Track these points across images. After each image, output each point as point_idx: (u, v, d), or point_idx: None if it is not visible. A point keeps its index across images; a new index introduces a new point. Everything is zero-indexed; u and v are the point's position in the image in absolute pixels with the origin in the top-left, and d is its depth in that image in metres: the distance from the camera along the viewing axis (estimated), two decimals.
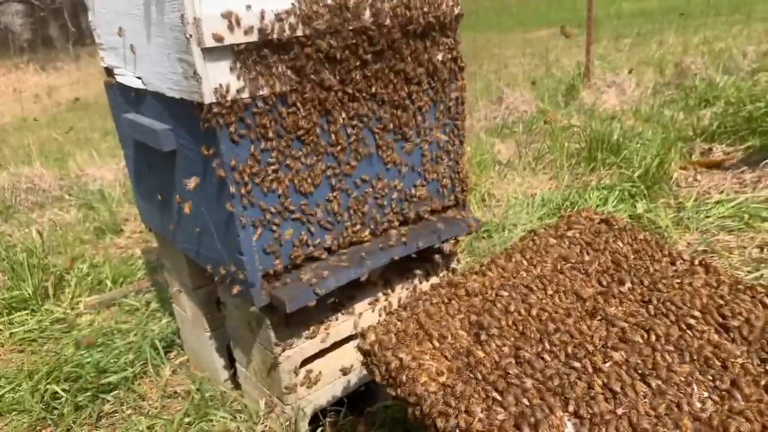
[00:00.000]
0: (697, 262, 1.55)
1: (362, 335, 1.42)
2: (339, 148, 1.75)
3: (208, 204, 1.75)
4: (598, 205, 3.72)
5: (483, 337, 1.38)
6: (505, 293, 1.54)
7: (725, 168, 4.22)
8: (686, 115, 5.42)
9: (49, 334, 3.23)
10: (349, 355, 2.14)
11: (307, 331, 1.97)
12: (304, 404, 2.02)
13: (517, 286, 1.56)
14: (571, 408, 1.14)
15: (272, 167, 1.64)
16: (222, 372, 2.51)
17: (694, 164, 4.25)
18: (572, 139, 4.99)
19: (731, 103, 5.25)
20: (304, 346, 1.99)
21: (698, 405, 1.13)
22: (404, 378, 1.27)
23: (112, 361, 2.74)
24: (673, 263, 1.57)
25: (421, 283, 2.27)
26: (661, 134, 4.53)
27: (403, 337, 1.37)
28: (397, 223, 2.02)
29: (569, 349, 1.30)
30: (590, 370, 1.23)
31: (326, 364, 2.08)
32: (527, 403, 1.15)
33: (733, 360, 1.21)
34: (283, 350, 1.93)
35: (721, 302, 1.37)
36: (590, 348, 1.30)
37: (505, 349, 1.33)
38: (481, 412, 1.15)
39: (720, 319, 1.32)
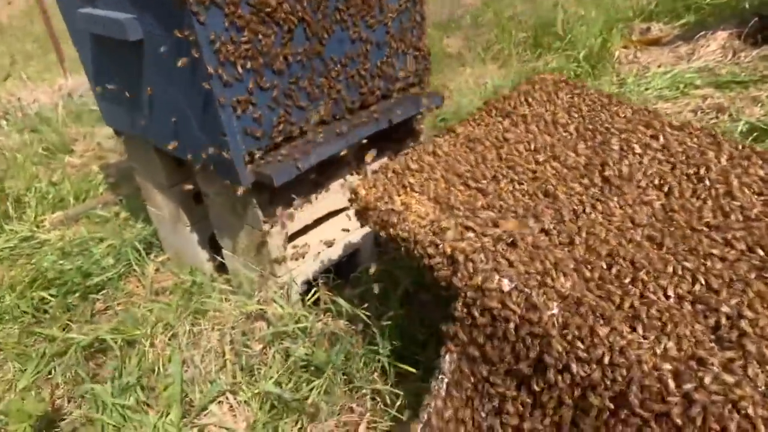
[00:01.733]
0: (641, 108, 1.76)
1: (353, 191, 1.56)
2: (306, 24, 1.80)
3: (184, 89, 1.79)
4: None
5: (459, 185, 1.54)
6: (479, 147, 1.70)
7: (663, 44, 4.43)
8: None
9: (20, 252, 3.25)
10: (330, 229, 2.30)
11: (290, 209, 2.10)
12: (295, 274, 2.19)
13: (483, 140, 1.72)
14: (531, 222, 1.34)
15: (245, 45, 1.69)
16: (206, 265, 2.64)
17: (634, 43, 4.44)
18: (519, 28, 5.07)
19: None
20: (289, 223, 2.12)
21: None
22: (395, 219, 1.43)
23: (94, 266, 2.82)
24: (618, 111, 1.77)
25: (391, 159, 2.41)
26: (602, 16, 4.66)
27: (390, 189, 1.52)
28: (367, 101, 2.12)
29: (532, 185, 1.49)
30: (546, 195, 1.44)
31: (310, 239, 2.24)
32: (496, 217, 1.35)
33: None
34: (272, 226, 2.06)
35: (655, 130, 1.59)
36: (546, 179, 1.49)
37: (479, 193, 1.50)
38: (463, 238, 1.33)
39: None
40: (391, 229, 1.43)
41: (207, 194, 2.24)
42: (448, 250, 1.31)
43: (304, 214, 2.15)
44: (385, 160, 2.39)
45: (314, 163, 1.90)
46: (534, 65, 4.46)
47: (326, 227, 2.30)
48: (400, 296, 2.06)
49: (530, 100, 1.88)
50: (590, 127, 1.72)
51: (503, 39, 4.98)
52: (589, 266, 1.23)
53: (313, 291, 2.20)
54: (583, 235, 1.32)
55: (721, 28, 4.01)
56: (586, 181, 1.50)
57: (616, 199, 1.42)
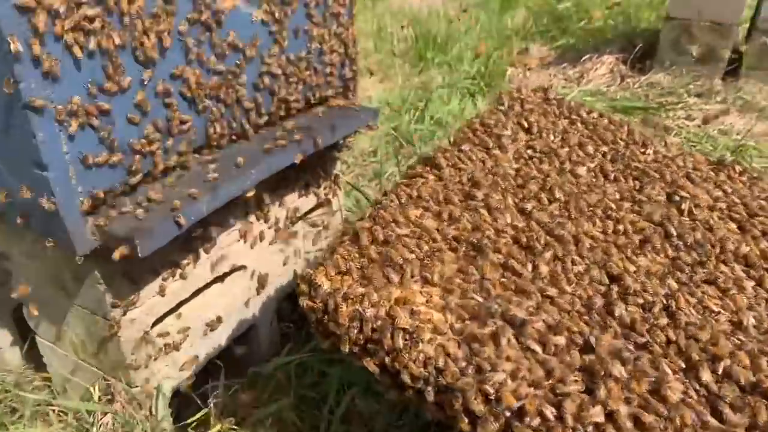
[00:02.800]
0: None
1: (307, 283, 0.87)
2: None
3: None
4: (444, 103, 3.46)
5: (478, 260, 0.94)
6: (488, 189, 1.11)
7: (545, 66, 4.28)
8: (497, 17, 5.41)
9: None
10: (214, 302, 1.56)
11: (157, 280, 1.33)
12: (161, 378, 1.41)
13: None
14: None
15: (90, 11, 0.92)
16: (11, 353, 1.72)
17: (520, 63, 4.22)
18: (396, 39, 4.63)
19: (531, 7, 5.38)
20: (154, 302, 1.35)
21: None
22: (401, 341, 0.78)
23: None
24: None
25: (301, 197, 1.73)
26: (484, 34, 4.41)
27: (373, 274, 0.87)
28: (276, 115, 1.43)
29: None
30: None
31: (187, 319, 1.47)
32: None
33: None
34: (124, 312, 1.27)
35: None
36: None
37: (514, 276, 0.92)
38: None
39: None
40: (394, 360, 0.77)
41: (7, 254, 1.37)
42: (512, 404, 0.70)
43: (178, 284, 1.39)
44: (293, 197, 1.71)
45: (205, 212, 1.17)
46: (421, 80, 4.03)
47: (209, 297, 1.55)
48: (332, 405, 1.40)
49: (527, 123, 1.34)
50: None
51: (381, 48, 4.50)
52: None
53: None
54: None
55: (607, 52, 3.93)
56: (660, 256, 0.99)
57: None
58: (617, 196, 1.19)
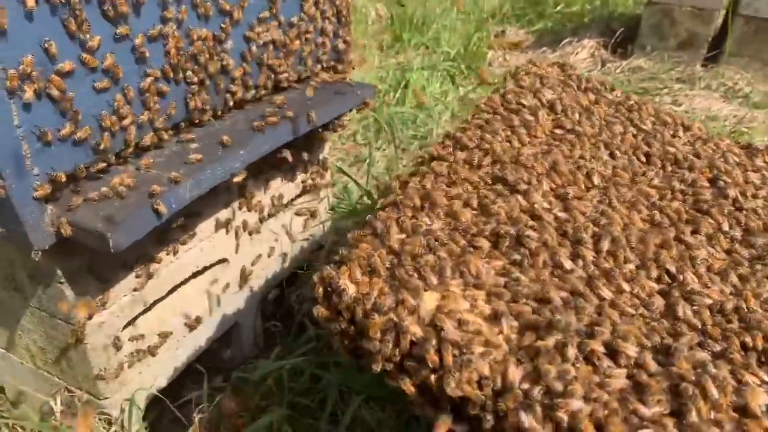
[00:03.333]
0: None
1: (327, 287, 0.71)
2: None
3: None
4: (423, 86, 3.32)
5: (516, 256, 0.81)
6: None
7: (523, 49, 4.18)
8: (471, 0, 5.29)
9: None
10: (193, 300, 1.39)
11: (129, 277, 1.15)
12: (133, 389, 1.24)
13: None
14: None
15: None
16: None
17: (500, 45, 4.11)
18: (371, 19, 4.46)
19: None
20: (125, 302, 1.17)
21: None
22: (450, 357, 0.64)
23: None
24: None
25: (286, 182, 1.57)
26: (461, 15, 4.28)
27: (403, 276, 0.72)
28: (262, 89, 1.26)
29: None
30: None
31: (161, 322, 1.30)
32: None
33: None
34: (90, 316, 1.10)
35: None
36: None
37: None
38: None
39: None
40: (440, 380, 0.63)
41: None
42: None
43: (153, 282, 1.22)
44: (278, 183, 1.54)
45: (190, 199, 1.00)
46: (398, 60, 3.87)
47: (189, 293, 1.38)
48: (330, 414, 1.25)
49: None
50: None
51: (357, 30, 4.32)
52: None
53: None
54: None
55: (587, 36, 3.85)
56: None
57: None
58: (657, 182, 1.08)
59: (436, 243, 0.77)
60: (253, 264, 1.52)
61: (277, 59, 1.23)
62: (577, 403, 0.60)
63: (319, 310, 0.71)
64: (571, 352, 0.66)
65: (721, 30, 3.49)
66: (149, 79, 0.95)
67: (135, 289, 1.19)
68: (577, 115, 1.20)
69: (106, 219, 0.88)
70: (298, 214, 1.70)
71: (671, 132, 1.24)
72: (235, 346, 1.60)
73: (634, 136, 1.23)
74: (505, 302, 0.72)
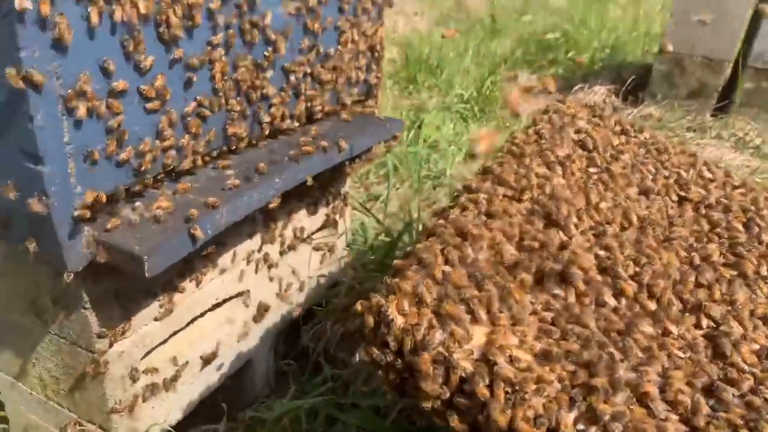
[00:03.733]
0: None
1: (375, 316, 0.68)
2: None
3: None
4: (438, 127, 3.34)
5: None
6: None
7: (535, 94, 4.24)
8: (485, 44, 5.39)
9: None
10: (210, 333, 1.34)
11: (152, 305, 1.12)
12: (148, 425, 1.18)
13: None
14: None
15: None
16: None
17: (512, 90, 4.16)
18: (386, 60, 4.52)
19: (518, 35, 5.39)
20: (146, 331, 1.13)
21: None
22: (510, 403, 0.60)
23: None
24: None
25: (308, 214, 1.55)
26: (477, 60, 4.35)
27: (452, 311, 0.69)
28: (297, 119, 1.25)
29: None
30: None
31: (179, 354, 1.26)
32: None
33: None
34: (111, 344, 1.06)
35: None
36: None
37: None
38: None
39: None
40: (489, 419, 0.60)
41: None
42: None
43: (174, 312, 1.18)
44: (301, 215, 1.52)
45: (224, 224, 0.97)
46: (412, 101, 3.91)
47: (205, 326, 1.34)
48: None
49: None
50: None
51: None
52: None
53: None
54: None
55: (598, 83, 3.90)
56: None
57: None
58: (694, 225, 1.06)
59: (482, 276, 0.74)
60: (269, 299, 1.48)
61: (313, 90, 1.22)
62: None
63: (367, 345, 0.67)
64: (622, 395, 0.63)
65: (731, 80, 3.54)
66: (193, 104, 0.94)
67: (156, 319, 1.15)
68: (609, 155, 1.19)
69: (142, 242, 0.85)
70: (316, 248, 1.67)
71: (702, 174, 1.23)
72: (247, 384, 1.55)
73: (666, 177, 1.22)
74: (555, 339, 0.69)
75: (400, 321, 0.66)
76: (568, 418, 0.63)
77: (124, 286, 1.04)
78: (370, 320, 0.67)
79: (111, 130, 0.81)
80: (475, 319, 0.70)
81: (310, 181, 1.16)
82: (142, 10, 0.78)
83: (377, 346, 0.68)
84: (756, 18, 3.43)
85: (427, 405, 0.64)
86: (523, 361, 0.66)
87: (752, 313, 0.86)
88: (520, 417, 0.61)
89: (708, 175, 1.26)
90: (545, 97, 4.07)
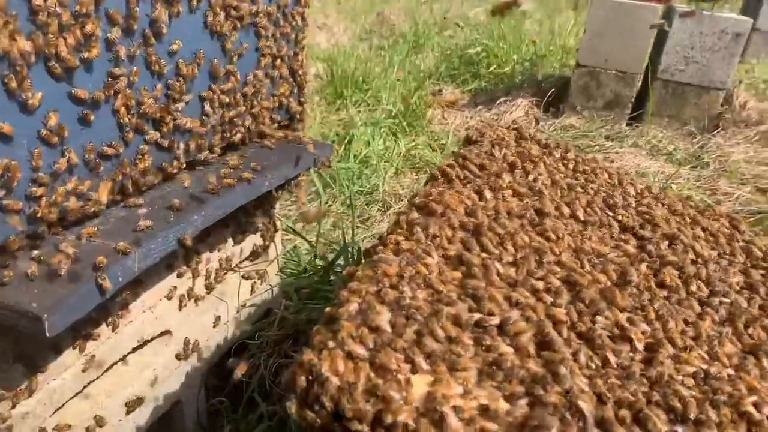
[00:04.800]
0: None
1: (306, 370, 0.63)
2: None
3: None
4: (368, 142, 3.33)
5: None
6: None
7: (459, 108, 4.32)
8: (409, 60, 5.46)
9: None
10: (132, 378, 1.25)
11: (59, 358, 1.02)
12: None
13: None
14: None
15: None
16: None
17: (439, 103, 4.22)
18: (311, 76, 4.49)
19: (440, 51, 5.51)
20: (54, 386, 1.03)
21: None
22: None
23: None
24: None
25: (234, 244, 1.48)
26: (405, 75, 4.39)
27: (390, 363, 0.65)
28: (215, 149, 1.19)
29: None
30: None
31: (95, 405, 1.16)
32: None
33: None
34: (13, 405, 0.95)
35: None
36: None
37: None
38: None
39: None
40: None
41: None
42: None
43: (84, 362, 1.09)
44: (227, 246, 1.45)
45: (139, 271, 0.90)
46: (339, 116, 3.89)
47: (125, 371, 1.24)
48: None
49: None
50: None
51: None
52: None
53: None
54: None
55: (520, 96, 4.02)
56: None
57: None
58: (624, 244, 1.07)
59: (420, 318, 0.71)
60: (197, 336, 1.40)
61: (232, 118, 1.17)
62: None
63: (295, 407, 0.62)
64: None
65: (643, 91, 3.75)
66: (92, 144, 0.86)
67: (66, 371, 1.06)
68: (538, 177, 1.20)
69: (41, 297, 0.77)
70: (245, 277, 1.60)
71: (626, 191, 1.26)
72: (177, 426, 1.45)
73: (593, 196, 1.24)
74: (498, 382, 0.66)
75: (334, 380, 0.62)
76: None
77: (28, 343, 0.94)
78: (302, 380, 0.62)
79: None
80: (417, 371, 0.67)
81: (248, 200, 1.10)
82: (26, 47, 0.70)
83: (310, 407, 0.63)
84: (662, 34, 3.64)
85: None
86: (467, 412, 0.63)
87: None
88: None
89: (630, 190, 1.29)
90: (469, 110, 4.15)
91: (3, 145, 0.74)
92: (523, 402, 0.65)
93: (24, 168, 0.78)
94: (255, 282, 1.63)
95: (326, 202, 2.78)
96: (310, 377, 0.61)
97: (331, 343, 0.64)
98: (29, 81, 0.73)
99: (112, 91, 0.87)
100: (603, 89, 3.73)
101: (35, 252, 0.83)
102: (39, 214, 0.82)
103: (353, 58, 4.76)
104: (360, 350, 0.64)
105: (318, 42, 6.68)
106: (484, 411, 0.63)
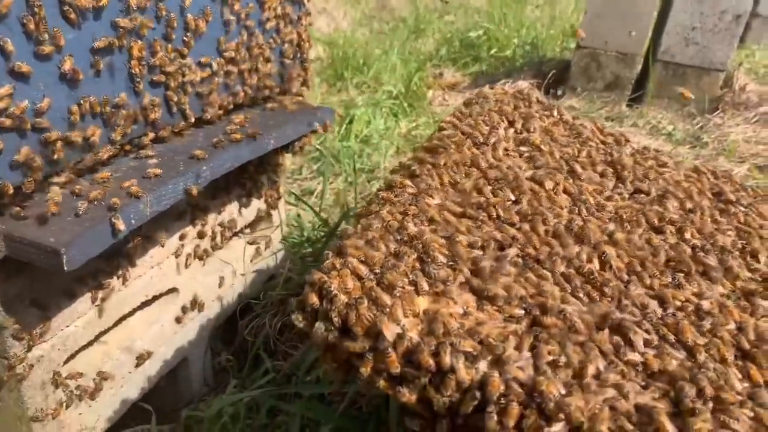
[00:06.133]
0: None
1: (318, 292, 0.66)
2: None
3: None
4: (368, 122, 3.35)
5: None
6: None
7: (461, 90, 4.33)
8: (409, 43, 5.46)
9: None
10: (140, 332, 1.29)
11: (72, 305, 1.05)
12: None
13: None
14: None
15: None
16: None
17: (440, 85, 4.24)
18: (312, 57, 4.50)
19: (441, 34, 5.50)
20: (68, 333, 1.07)
21: None
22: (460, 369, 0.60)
23: None
24: None
25: (240, 207, 1.51)
26: (401, 57, 4.39)
27: (397, 281, 0.68)
28: (222, 107, 1.22)
29: None
30: None
31: (106, 356, 1.20)
32: None
33: None
34: (29, 348, 0.99)
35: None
36: None
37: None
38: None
39: None
40: (438, 386, 0.60)
41: None
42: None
43: (97, 310, 1.12)
44: (232, 208, 1.48)
45: (150, 215, 0.93)
46: (341, 98, 3.91)
47: (135, 324, 1.28)
48: None
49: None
50: None
51: None
52: None
53: None
54: None
55: (521, 78, 4.03)
56: None
57: None
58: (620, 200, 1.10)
59: (435, 245, 0.74)
60: (203, 294, 1.44)
61: (239, 77, 1.19)
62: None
63: (301, 319, 0.65)
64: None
65: (643, 73, 3.75)
66: (108, 90, 0.89)
67: (79, 319, 1.09)
68: (537, 133, 1.23)
69: (58, 234, 0.80)
70: (250, 242, 1.63)
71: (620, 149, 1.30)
72: (183, 383, 1.49)
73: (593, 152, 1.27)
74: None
75: (343, 296, 0.65)
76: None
77: (40, 285, 0.98)
78: (314, 298, 0.66)
79: (12, 116, 0.76)
80: (418, 291, 0.70)
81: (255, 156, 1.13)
82: None
83: (322, 321, 0.67)
84: (662, 15, 3.65)
85: (364, 372, 0.63)
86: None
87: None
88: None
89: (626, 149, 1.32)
90: (470, 92, 4.16)
91: (22, 87, 0.77)
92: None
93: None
94: (259, 247, 1.66)
95: (328, 179, 2.81)
96: (321, 294, 0.64)
97: (339, 264, 0.67)
98: (45, 23, 0.76)
99: (124, 41, 0.90)
100: (603, 71, 3.74)
101: (53, 189, 0.86)
102: (55, 156, 0.84)
103: (354, 42, 4.76)
104: (366, 272, 0.67)
105: (318, 27, 6.67)
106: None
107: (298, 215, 2.08)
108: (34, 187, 0.85)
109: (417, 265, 0.72)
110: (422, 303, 0.67)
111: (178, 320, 1.36)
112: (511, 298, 0.70)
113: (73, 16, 0.81)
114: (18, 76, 0.76)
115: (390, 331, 0.61)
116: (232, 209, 1.49)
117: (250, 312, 1.60)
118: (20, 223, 0.82)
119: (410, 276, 0.69)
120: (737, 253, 0.99)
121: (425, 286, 0.69)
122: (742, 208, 1.14)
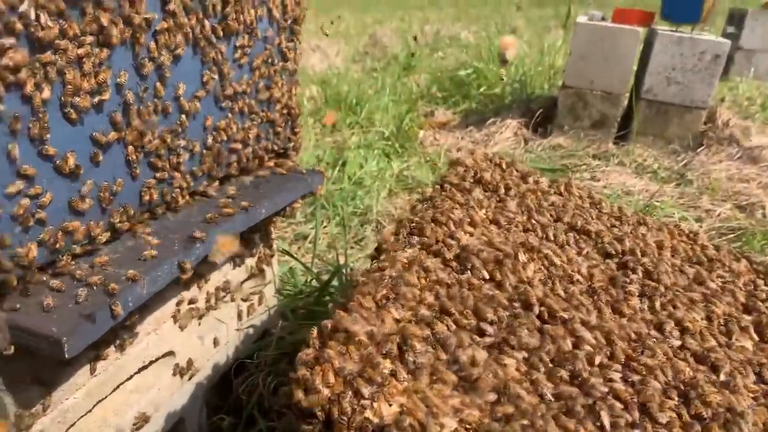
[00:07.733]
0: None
1: (302, 388, 0.71)
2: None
3: None
4: (361, 164, 3.43)
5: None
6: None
7: (451, 129, 4.42)
8: (401, 82, 5.58)
9: None
10: (138, 397, 1.32)
11: (72, 378, 1.09)
12: None
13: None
14: None
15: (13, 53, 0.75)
16: None
17: (430, 125, 4.33)
18: (305, 98, 4.60)
19: (431, 72, 5.63)
20: (67, 406, 1.10)
21: None
22: None
23: None
24: None
25: (233, 267, 1.56)
26: (394, 97, 4.49)
27: (375, 372, 0.73)
28: (213, 180, 1.27)
29: None
30: None
31: (103, 424, 1.23)
32: None
33: None
34: (29, 425, 1.02)
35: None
36: None
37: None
38: None
39: None
40: None
41: None
42: None
43: (97, 380, 1.16)
44: (225, 268, 1.53)
45: (147, 297, 0.98)
46: (334, 139, 3.99)
47: (132, 392, 1.31)
48: None
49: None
50: None
51: None
52: None
53: None
54: None
55: (509, 117, 4.13)
56: None
57: None
58: (589, 264, 1.16)
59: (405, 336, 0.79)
60: (198, 355, 1.47)
61: (230, 148, 1.25)
62: None
63: (297, 414, 0.70)
64: None
65: (628, 111, 3.86)
66: (107, 178, 0.95)
67: (78, 391, 1.12)
68: (514, 203, 1.29)
69: (60, 322, 0.85)
70: (244, 299, 1.67)
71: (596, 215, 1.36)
72: None
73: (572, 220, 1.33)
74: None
75: (325, 391, 0.70)
76: None
77: (43, 364, 1.01)
78: (299, 394, 0.70)
79: (16, 217, 0.81)
80: (397, 381, 0.74)
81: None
82: (46, 95, 0.79)
83: (305, 418, 0.71)
84: (644, 55, 3.77)
85: None
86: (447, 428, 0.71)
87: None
88: None
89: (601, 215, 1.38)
90: (461, 131, 4.25)
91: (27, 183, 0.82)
92: None
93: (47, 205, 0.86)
94: (252, 304, 1.70)
95: (321, 223, 2.86)
96: (307, 391, 0.69)
97: (322, 356, 0.72)
98: (47, 127, 0.82)
99: (123, 134, 0.95)
100: (589, 109, 3.85)
101: (54, 281, 0.91)
102: (57, 244, 0.89)
103: (347, 80, 4.87)
104: (348, 367, 0.72)
105: (312, 64, 6.81)
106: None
107: (291, 268, 2.12)
108: (36, 276, 0.90)
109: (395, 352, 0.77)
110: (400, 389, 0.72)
111: (174, 382, 1.39)
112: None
113: (73, 116, 0.86)
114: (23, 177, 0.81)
115: None
116: (225, 270, 1.54)
117: (244, 370, 1.63)
118: (23, 312, 0.86)
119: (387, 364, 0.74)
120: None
121: (403, 376, 0.73)
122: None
